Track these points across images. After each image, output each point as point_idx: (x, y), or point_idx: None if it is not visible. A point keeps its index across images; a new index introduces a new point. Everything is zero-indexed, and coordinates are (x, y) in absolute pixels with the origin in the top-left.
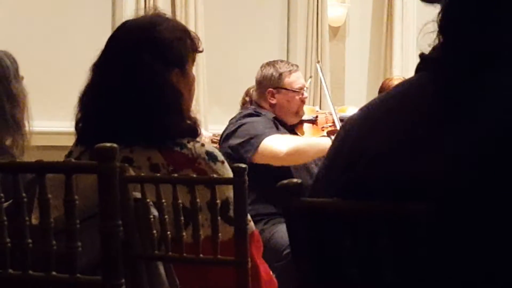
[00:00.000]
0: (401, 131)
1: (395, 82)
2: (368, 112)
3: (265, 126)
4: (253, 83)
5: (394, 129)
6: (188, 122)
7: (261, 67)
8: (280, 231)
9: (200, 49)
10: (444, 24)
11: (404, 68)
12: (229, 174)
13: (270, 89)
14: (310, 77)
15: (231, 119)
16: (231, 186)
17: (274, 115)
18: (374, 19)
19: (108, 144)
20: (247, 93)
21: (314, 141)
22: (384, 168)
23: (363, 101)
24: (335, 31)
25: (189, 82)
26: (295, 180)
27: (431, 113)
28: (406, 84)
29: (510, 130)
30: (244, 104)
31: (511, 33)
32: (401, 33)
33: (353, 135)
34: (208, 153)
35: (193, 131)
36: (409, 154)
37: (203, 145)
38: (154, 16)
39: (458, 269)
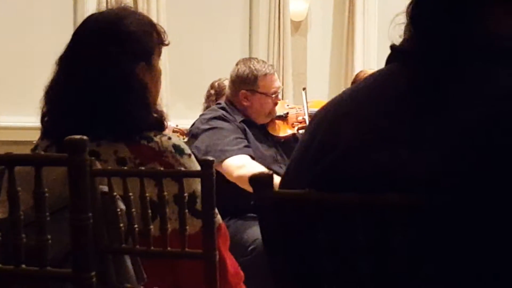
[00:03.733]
0: (375, 122)
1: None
2: (339, 104)
3: (233, 139)
4: (216, 76)
5: (367, 120)
6: (155, 115)
7: (236, 64)
8: (246, 227)
9: (166, 42)
10: (416, 15)
11: (366, 61)
12: (196, 167)
13: (244, 91)
14: (304, 89)
15: (201, 114)
16: (198, 180)
17: (243, 118)
18: (335, 13)
19: (78, 137)
20: (212, 86)
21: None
22: (357, 159)
23: (325, 94)
24: (297, 26)
25: (156, 75)
26: (267, 172)
27: (406, 104)
28: (377, 76)
29: (496, 119)
30: (208, 97)
31: (483, 23)
32: (363, 26)
33: (324, 126)
34: (175, 147)
35: (159, 124)
36: (384, 145)
37: (170, 138)
38: (120, 9)
39: (439, 262)
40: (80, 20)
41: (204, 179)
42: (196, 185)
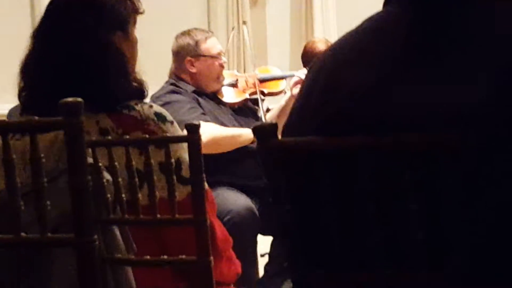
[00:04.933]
0: (378, 66)
1: (318, 44)
2: (338, 51)
3: (188, 109)
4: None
5: (370, 65)
6: (135, 84)
7: (176, 38)
8: (221, 197)
9: (141, 10)
10: None
11: (325, 30)
12: (179, 134)
13: (189, 58)
14: (233, 28)
15: (153, 94)
16: (182, 146)
17: (194, 88)
18: None
19: (72, 99)
20: None
21: (236, 132)
22: (363, 103)
23: (286, 65)
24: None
25: (132, 44)
26: (270, 122)
27: (409, 46)
28: (377, 18)
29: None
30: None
31: None
32: None
33: (324, 74)
34: (157, 114)
35: (140, 92)
36: (389, 88)
37: (151, 106)
38: None
39: (456, 204)
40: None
41: (190, 144)
42: (181, 151)
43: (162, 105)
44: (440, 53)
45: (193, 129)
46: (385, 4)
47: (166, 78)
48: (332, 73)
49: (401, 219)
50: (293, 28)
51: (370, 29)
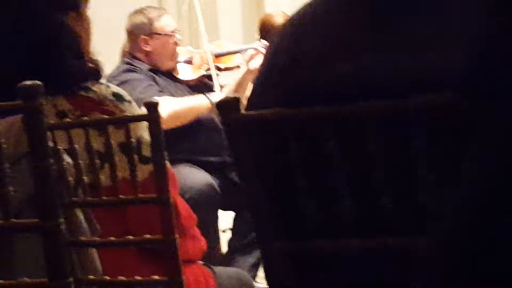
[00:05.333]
0: (336, 33)
1: (276, 18)
2: (300, 20)
3: (145, 86)
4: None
5: (328, 32)
6: (90, 64)
7: (129, 16)
8: (181, 174)
9: None
10: None
11: (277, 1)
12: (138, 113)
13: (143, 36)
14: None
15: (109, 74)
16: (141, 126)
17: (149, 67)
18: None
19: (30, 82)
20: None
21: (192, 102)
22: (323, 71)
23: (239, 38)
24: None
25: (86, 24)
26: (234, 95)
27: (376, 10)
28: None
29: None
30: (124, 55)
31: None
32: None
33: (285, 45)
34: (115, 94)
35: (96, 73)
36: (349, 54)
37: (108, 86)
38: None
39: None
40: None
41: (150, 122)
42: (140, 131)
43: (119, 84)
44: (406, 18)
45: (152, 107)
46: None
47: (119, 57)
48: (293, 43)
49: (370, 187)
50: (244, 0)
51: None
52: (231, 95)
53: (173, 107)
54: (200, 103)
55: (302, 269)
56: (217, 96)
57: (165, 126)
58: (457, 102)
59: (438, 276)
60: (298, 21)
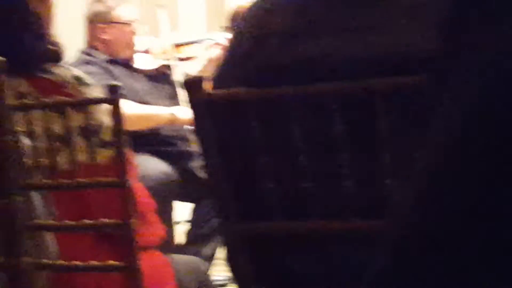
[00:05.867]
0: (302, 14)
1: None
2: (264, 3)
3: (100, 81)
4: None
5: (294, 13)
6: (51, 46)
7: (89, 4)
8: (141, 163)
9: None
10: None
11: None
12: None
13: (100, 25)
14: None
15: (66, 63)
16: (101, 110)
17: (107, 57)
18: None
19: None
20: None
21: (154, 111)
22: (287, 51)
23: (203, 28)
24: None
25: (48, 5)
26: (198, 75)
27: None
28: None
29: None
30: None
31: None
32: None
33: (253, 22)
34: (75, 77)
35: (57, 55)
36: (314, 35)
37: (69, 69)
38: None
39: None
40: None
41: (111, 104)
42: (101, 115)
43: None
44: (369, 2)
45: (114, 90)
46: None
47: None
48: (258, 25)
49: (333, 169)
50: None
51: None
52: None
53: (132, 111)
54: (161, 113)
55: (263, 249)
56: (181, 110)
57: None
58: (419, 82)
59: (400, 257)
60: (263, 4)
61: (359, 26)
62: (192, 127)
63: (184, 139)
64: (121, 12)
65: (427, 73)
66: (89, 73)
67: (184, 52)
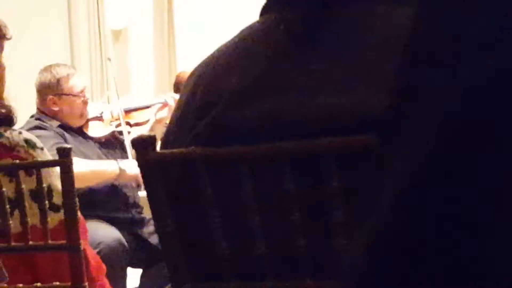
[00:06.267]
0: (255, 72)
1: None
2: (217, 60)
3: (52, 145)
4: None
5: (248, 72)
6: (3, 110)
7: (38, 73)
8: (91, 229)
9: (8, 36)
10: None
11: (189, 60)
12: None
13: (51, 96)
14: (109, 59)
15: (18, 129)
16: (53, 174)
17: (59, 123)
18: (155, 19)
19: None
20: None
21: (101, 167)
22: (240, 110)
23: (150, 93)
24: (118, 34)
25: (0, 70)
26: (150, 134)
27: (285, 53)
28: (255, 26)
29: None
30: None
31: None
32: (183, 30)
33: (203, 83)
34: (27, 141)
35: (8, 119)
36: (265, 94)
37: (20, 132)
38: None
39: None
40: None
41: (63, 167)
42: (51, 178)
43: None
44: (321, 59)
45: (65, 153)
46: (262, 14)
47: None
48: (211, 82)
49: (285, 228)
50: (157, 60)
51: (248, 37)
52: None
53: (80, 168)
54: (109, 168)
55: None
56: (128, 163)
57: None
58: (369, 139)
59: None
60: (216, 61)
61: (304, 86)
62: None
63: (136, 205)
64: (71, 84)
65: (378, 132)
66: (41, 137)
67: (135, 117)
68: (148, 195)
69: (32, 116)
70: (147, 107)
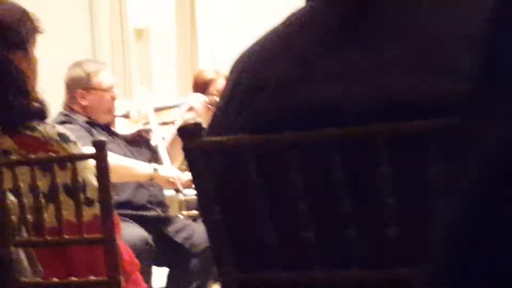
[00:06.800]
0: (303, 57)
1: (207, 72)
2: (263, 45)
3: (79, 135)
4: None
5: (296, 56)
6: (36, 104)
7: (68, 68)
8: None
9: (41, 29)
10: None
11: (211, 58)
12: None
13: (80, 90)
14: (141, 83)
15: None
16: (86, 168)
17: (86, 119)
18: (178, 18)
19: None
20: None
21: (135, 165)
22: (287, 96)
23: (173, 92)
24: (140, 33)
25: (33, 63)
26: (196, 121)
27: (335, 37)
28: (301, 12)
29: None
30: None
31: None
32: (205, 29)
33: (249, 69)
34: (60, 135)
35: (42, 112)
36: (314, 79)
37: (54, 126)
38: None
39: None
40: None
41: (98, 161)
42: (85, 172)
43: None
44: (372, 41)
45: (100, 146)
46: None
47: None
48: (256, 68)
49: (335, 216)
50: (179, 58)
51: (294, 23)
52: (168, 148)
53: (114, 160)
54: (142, 169)
55: None
56: (164, 169)
57: None
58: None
59: None
60: (262, 48)
61: (364, 68)
62: (171, 189)
63: (161, 204)
64: (100, 78)
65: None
66: (69, 129)
67: (162, 116)
68: (195, 183)
69: (59, 113)
70: (174, 106)
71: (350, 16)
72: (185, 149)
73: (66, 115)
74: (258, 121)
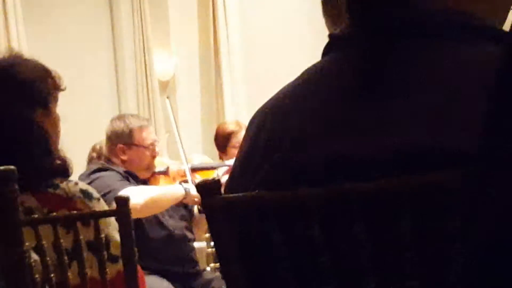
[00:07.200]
0: (322, 112)
1: (229, 125)
2: (281, 101)
3: (117, 179)
4: (90, 140)
5: (314, 111)
6: (58, 162)
7: (111, 121)
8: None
9: (63, 87)
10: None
11: (236, 113)
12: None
13: (121, 145)
14: (167, 133)
15: (80, 175)
16: (109, 224)
17: (124, 169)
18: (202, 69)
19: (3, 167)
20: (93, 149)
21: (167, 190)
22: (306, 151)
23: (199, 149)
24: (165, 85)
25: (55, 121)
26: (213, 177)
27: (353, 91)
28: (317, 67)
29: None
30: (91, 160)
31: (421, 4)
32: (230, 81)
33: (267, 126)
34: (83, 191)
35: (64, 170)
36: (333, 134)
37: (76, 183)
38: (12, 57)
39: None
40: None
41: (120, 217)
42: (108, 229)
43: (90, 182)
44: (390, 95)
45: (123, 202)
46: (324, 53)
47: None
48: (275, 123)
49: (357, 273)
50: (204, 113)
51: (312, 77)
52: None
53: (149, 194)
54: (174, 191)
55: None
56: (191, 187)
57: (142, 214)
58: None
59: None
60: (279, 104)
61: (373, 124)
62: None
63: (190, 260)
64: (142, 135)
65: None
66: (103, 177)
67: (201, 176)
68: (214, 239)
69: (96, 163)
70: (213, 168)
71: (366, 70)
72: (203, 205)
73: (102, 164)
74: (277, 177)
